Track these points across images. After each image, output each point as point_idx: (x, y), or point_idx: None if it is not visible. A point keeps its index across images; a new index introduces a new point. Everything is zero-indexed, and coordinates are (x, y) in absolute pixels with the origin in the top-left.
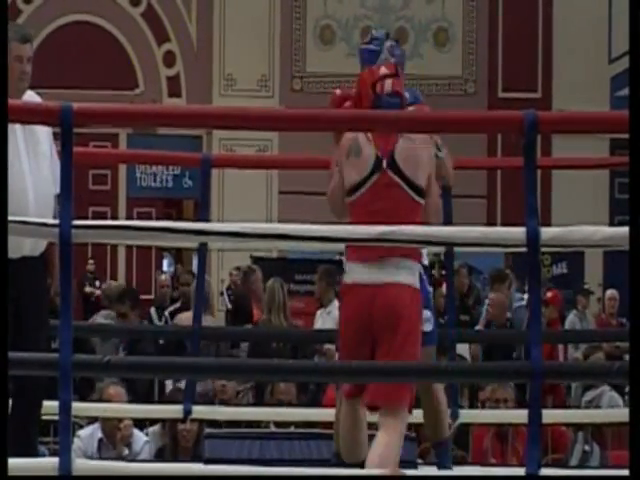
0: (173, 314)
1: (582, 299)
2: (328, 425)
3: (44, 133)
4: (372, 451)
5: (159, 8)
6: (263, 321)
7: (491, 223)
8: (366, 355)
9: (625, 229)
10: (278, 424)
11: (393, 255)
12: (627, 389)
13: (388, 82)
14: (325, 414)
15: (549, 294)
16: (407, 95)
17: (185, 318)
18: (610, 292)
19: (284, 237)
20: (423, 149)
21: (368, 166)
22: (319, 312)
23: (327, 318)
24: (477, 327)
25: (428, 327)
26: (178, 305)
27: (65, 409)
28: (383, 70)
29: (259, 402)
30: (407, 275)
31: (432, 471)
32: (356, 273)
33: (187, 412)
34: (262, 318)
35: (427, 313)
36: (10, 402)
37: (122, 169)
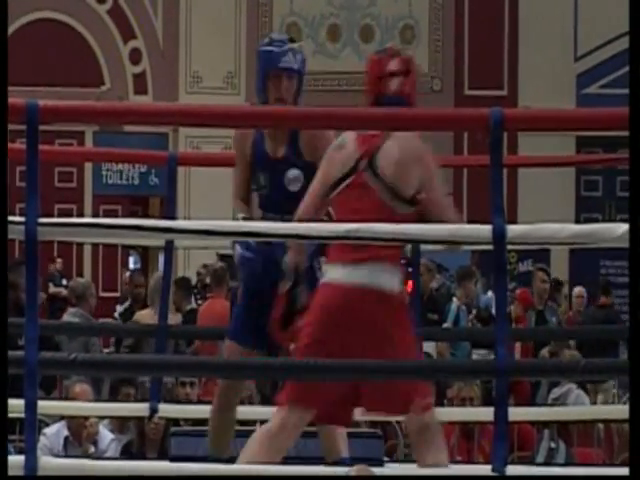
0: (122, 315)
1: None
2: None
3: None
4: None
5: (125, 5)
6: None
7: None
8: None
9: (590, 226)
10: (242, 422)
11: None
12: (589, 386)
13: (395, 81)
14: None
15: (518, 292)
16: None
17: (144, 315)
18: (578, 289)
19: (250, 234)
20: (416, 153)
21: (348, 163)
22: None
23: None
24: (445, 325)
25: None
26: (127, 305)
27: (30, 407)
28: (392, 65)
29: None
30: (386, 279)
31: (399, 469)
32: (333, 273)
33: (153, 410)
34: None
35: None
36: None
37: (88, 166)
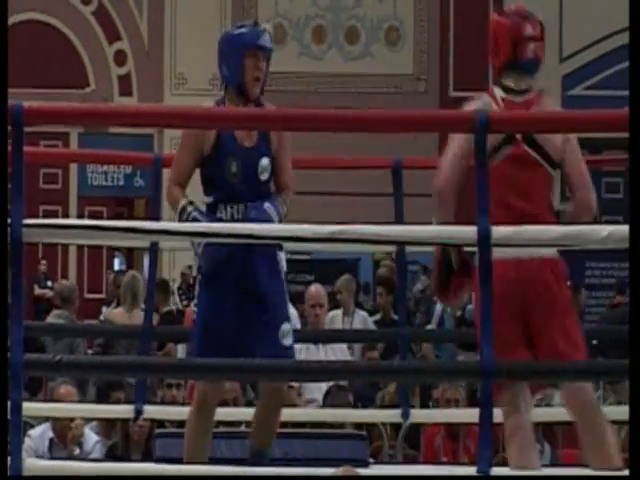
0: None
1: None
2: (281, 424)
3: None
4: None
5: (110, 7)
6: None
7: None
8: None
9: (576, 228)
10: (226, 423)
11: None
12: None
13: (531, 47)
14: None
15: None
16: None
17: (115, 314)
18: None
19: (235, 236)
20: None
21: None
22: None
23: None
24: (430, 326)
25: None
26: (113, 307)
27: (16, 409)
28: (529, 30)
29: None
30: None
31: (384, 470)
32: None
33: (138, 412)
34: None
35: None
36: None
37: (73, 168)
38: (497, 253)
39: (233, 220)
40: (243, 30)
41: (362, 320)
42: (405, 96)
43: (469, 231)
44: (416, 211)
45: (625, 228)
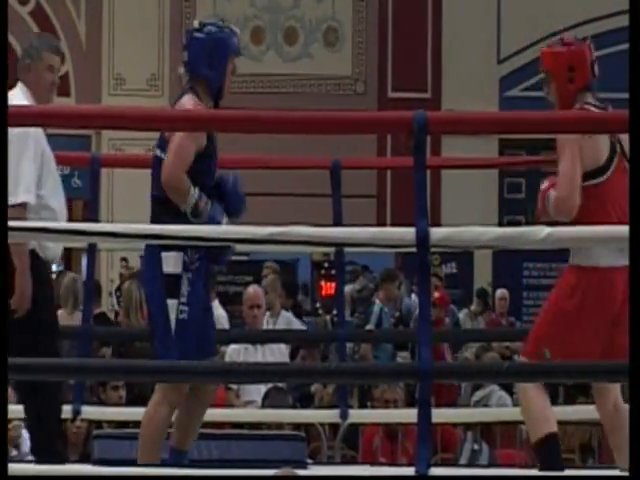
0: None
1: (479, 301)
2: (218, 425)
3: None
4: None
5: (47, 7)
6: (124, 322)
7: (381, 223)
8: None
9: (513, 229)
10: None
11: None
12: (515, 388)
13: (597, 67)
14: (216, 414)
15: (436, 294)
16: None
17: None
18: (500, 292)
19: (175, 238)
20: None
21: (606, 146)
22: None
23: None
24: (368, 327)
25: None
26: None
27: None
28: (594, 53)
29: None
30: None
31: (322, 470)
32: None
33: (76, 412)
34: (120, 319)
35: None
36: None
37: None
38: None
39: None
40: (228, 33)
41: (286, 321)
42: (344, 97)
43: (408, 232)
44: (355, 212)
45: (563, 229)
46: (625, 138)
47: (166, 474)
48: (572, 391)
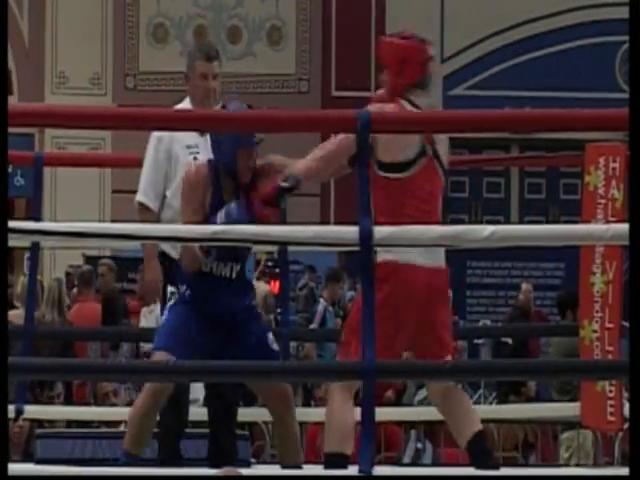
0: None
1: None
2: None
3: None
4: None
5: None
6: (39, 319)
7: (324, 222)
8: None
9: (457, 227)
10: (109, 423)
11: None
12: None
13: (431, 65)
14: None
15: None
16: (233, 108)
17: (13, 316)
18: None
19: (118, 236)
20: None
21: (414, 145)
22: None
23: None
24: (312, 326)
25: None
26: None
27: None
28: (430, 50)
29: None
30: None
31: (266, 469)
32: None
33: (19, 412)
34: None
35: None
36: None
37: None
38: None
39: None
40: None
41: None
42: (287, 96)
43: (351, 231)
44: (298, 211)
45: (506, 228)
46: (439, 141)
47: (109, 474)
48: (504, 389)
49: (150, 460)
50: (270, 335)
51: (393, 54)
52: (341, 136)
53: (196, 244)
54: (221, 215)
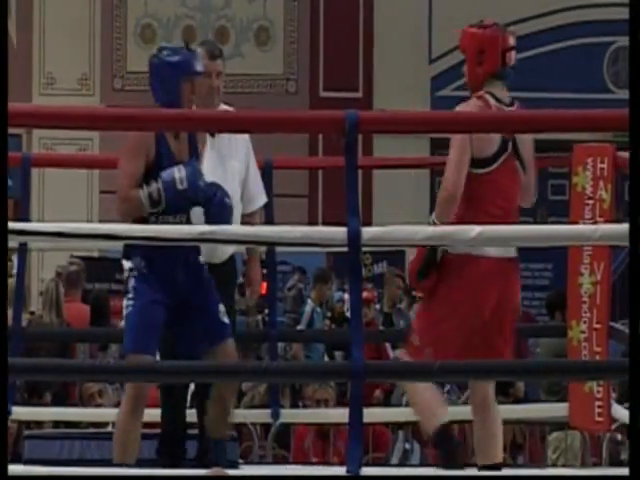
0: None
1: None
2: (147, 425)
3: (240, 148)
4: None
5: None
6: (36, 319)
7: (313, 222)
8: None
9: (445, 228)
10: (97, 424)
11: None
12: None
13: (513, 54)
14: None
15: (365, 293)
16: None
17: None
18: None
19: (106, 237)
20: None
21: (496, 141)
22: None
23: None
24: (300, 326)
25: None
26: None
27: None
28: (512, 40)
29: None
30: None
31: (254, 470)
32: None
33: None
34: (34, 317)
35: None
36: None
37: None
38: None
39: None
40: (181, 55)
41: None
42: (275, 96)
43: (339, 232)
44: (286, 212)
45: (493, 228)
46: (523, 141)
47: (94, 474)
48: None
49: (138, 460)
50: (222, 307)
51: (472, 43)
52: (457, 137)
53: (145, 191)
54: (171, 171)
